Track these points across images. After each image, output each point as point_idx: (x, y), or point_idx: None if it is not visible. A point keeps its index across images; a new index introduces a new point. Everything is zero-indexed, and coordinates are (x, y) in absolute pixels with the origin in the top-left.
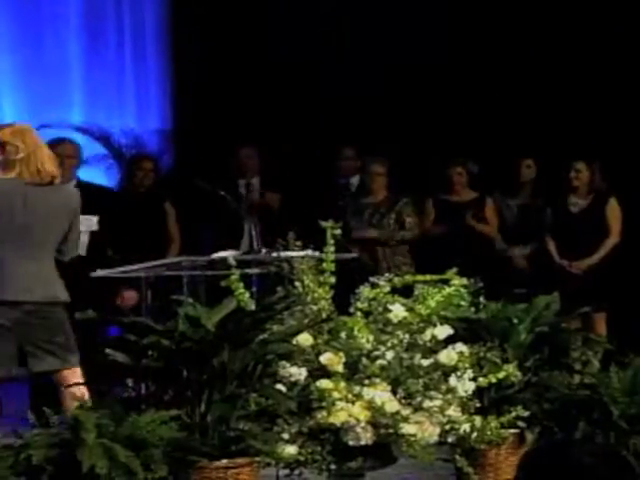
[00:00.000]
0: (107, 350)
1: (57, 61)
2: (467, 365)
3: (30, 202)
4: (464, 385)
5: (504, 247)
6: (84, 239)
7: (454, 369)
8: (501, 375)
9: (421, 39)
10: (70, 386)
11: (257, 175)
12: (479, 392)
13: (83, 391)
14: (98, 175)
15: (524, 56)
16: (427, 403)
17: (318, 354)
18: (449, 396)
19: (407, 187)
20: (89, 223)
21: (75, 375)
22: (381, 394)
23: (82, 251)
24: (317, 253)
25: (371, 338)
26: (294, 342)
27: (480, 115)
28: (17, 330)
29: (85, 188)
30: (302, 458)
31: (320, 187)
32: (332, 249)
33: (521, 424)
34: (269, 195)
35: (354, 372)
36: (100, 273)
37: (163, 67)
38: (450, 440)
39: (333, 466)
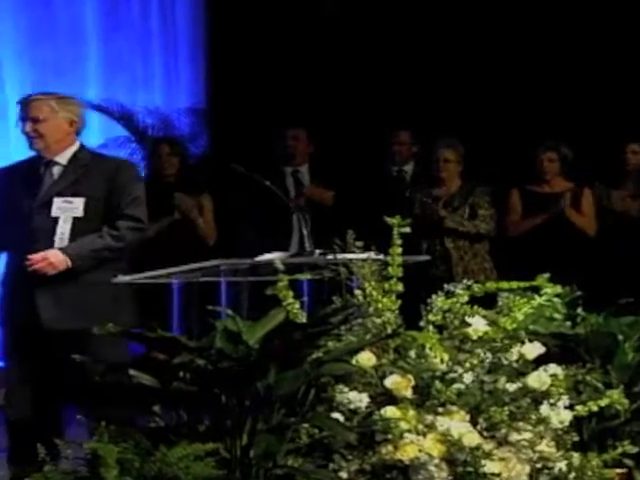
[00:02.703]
0: (130, 371)
1: (69, 25)
2: (562, 390)
3: None
4: (559, 415)
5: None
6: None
7: (546, 395)
8: (604, 403)
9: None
10: None
11: (306, 162)
12: (577, 423)
13: None
14: None
15: (629, 30)
16: (514, 436)
17: (382, 376)
18: (540, 428)
19: (484, 177)
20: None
21: None
22: (458, 425)
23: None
24: (381, 255)
25: (446, 357)
26: (353, 362)
27: (574, 91)
28: None
29: None
30: None
31: (373, 177)
32: (399, 250)
33: (628, 462)
34: (321, 191)
35: (425, 398)
36: (123, 279)
37: (195, 34)
38: None
39: None
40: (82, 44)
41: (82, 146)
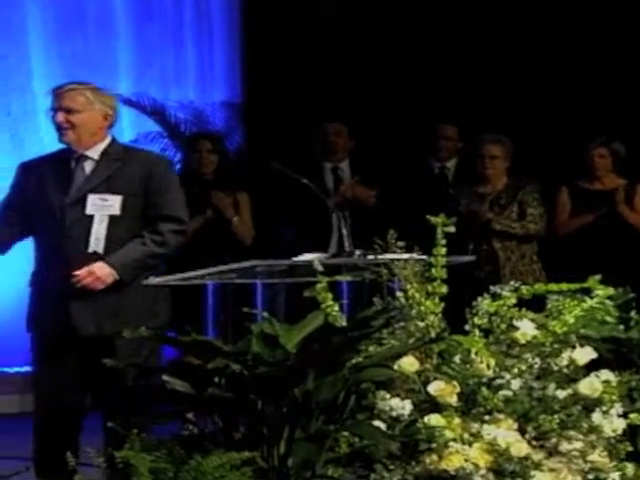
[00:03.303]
0: (163, 376)
1: (99, 15)
2: (615, 397)
3: None
4: (611, 423)
5: None
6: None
7: (598, 402)
8: None
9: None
10: None
11: (347, 158)
12: (631, 432)
13: None
14: None
15: None
16: (564, 445)
17: (426, 383)
18: (592, 437)
19: (532, 173)
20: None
21: None
22: (506, 433)
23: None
24: (424, 256)
25: (492, 363)
26: (396, 367)
27: (627, 85)
28: None
29: None
30: None
31: (416, 174)
32: (443, 251)
33: None
34: (361, 190)
35: (471, 406)
36: (154, 280)
37: (230, 24)
38: None
39: None
40: (112, 35)
41: (114, 140)
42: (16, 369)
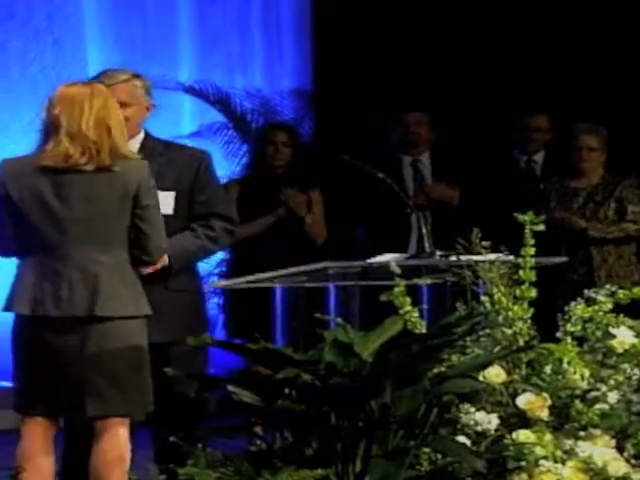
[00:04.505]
0: (230, 387)
1: None
2: None
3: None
4: None
5: None
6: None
7: None
8: None
9: None
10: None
11: (428, 150)
12: None
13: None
14: (214, 151)
15: None
16: None
17: (514, 395)
18: None
19: (629, 167)
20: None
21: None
22: (602, 451)
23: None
24: (512, 257)
25: (587, 373)
26: (481, 378)
27: None
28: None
29: None
30: None
31: (502, 167)
32: (532, 251)
33: None
34: (443, 189)
35: (564, 420)
36: (223, 284)
37: (300, 6)
38: None
39: None
40: (173, 19)
41: (147, 133)
42: None
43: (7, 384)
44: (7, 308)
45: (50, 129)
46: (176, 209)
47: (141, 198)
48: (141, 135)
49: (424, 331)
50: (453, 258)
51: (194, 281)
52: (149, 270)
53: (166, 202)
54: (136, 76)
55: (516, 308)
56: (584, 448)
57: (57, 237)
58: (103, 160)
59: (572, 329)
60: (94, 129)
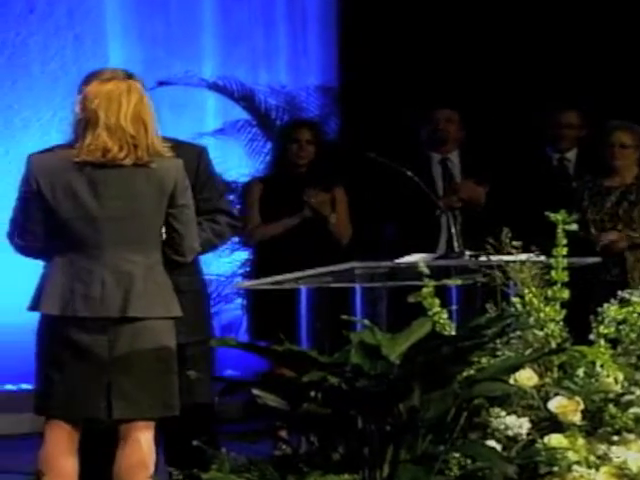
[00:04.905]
0: (254, 390)
1: None
2: None
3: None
4: None
5: None
6: None
7: None
8: None
9: None
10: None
11: (457, 148)
12: None
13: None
14: (238, 148)
15: None
16: None
17: (546, 399)
18: None
19: None
20: None
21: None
22: (636, 456)
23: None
24: (543, 257)
25: (621, 377)
26: (511, 381)
27: None
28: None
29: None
30: None
31: (533, 165)
32: (565, 251)
33: None
34: (472, 187)
35: (597, 425)
36: (246, 284)
37: (326, 1)
38: None
39: None
40: (196, 15)
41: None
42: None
43: (28, 386)
44: (33, 308)
45: (87, 124)
46: None
47: (177, 197)
48: None
49: (453, 333)
50: (483, 258)
51: (197, 281)
52: None
53: None
54: (130, 76)
55: (548, 309)
56: (618, 453)
57: (91, 236)
58: (141, 155)
59: (605, 331)
60: (132, 124)
